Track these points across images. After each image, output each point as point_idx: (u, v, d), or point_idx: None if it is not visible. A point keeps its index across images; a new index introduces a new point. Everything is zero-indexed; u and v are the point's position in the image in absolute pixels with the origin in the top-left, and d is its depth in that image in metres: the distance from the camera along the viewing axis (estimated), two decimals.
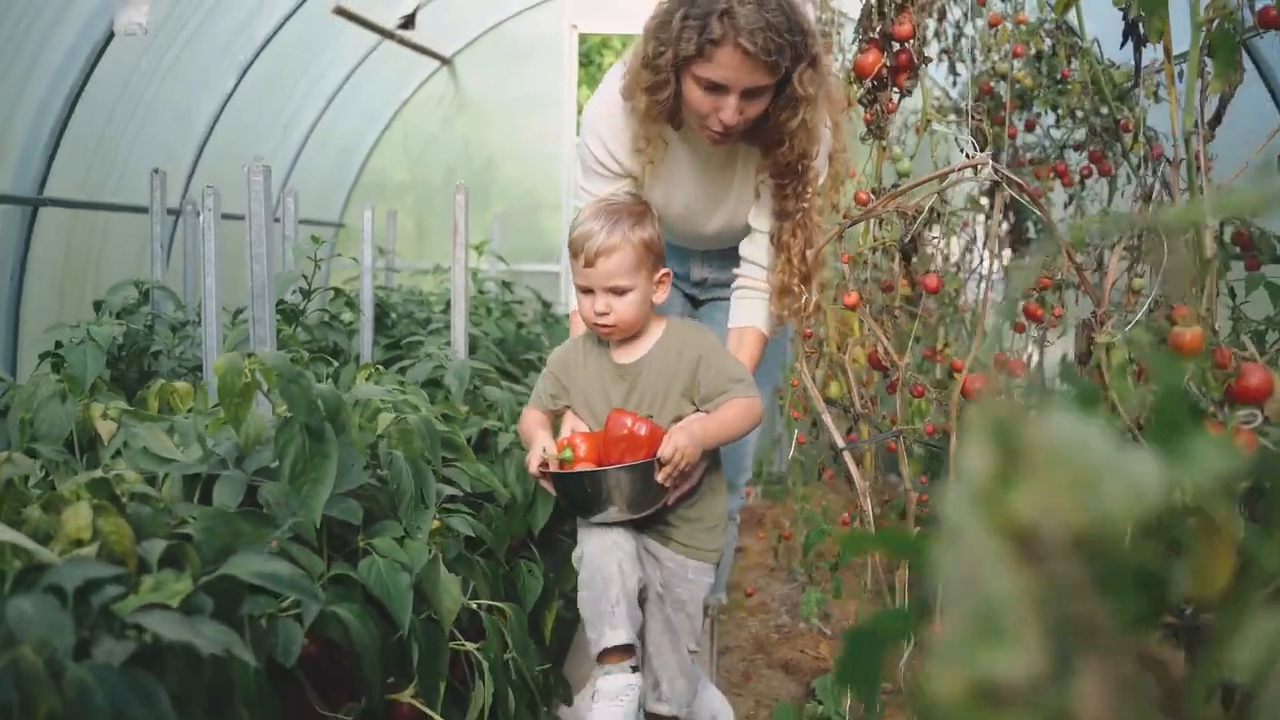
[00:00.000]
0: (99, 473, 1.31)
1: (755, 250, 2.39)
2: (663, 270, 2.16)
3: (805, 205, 2.25)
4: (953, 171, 1.69)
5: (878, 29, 2.55)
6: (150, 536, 1.24)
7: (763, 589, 3.98)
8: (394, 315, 3.88)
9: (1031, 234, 4.43)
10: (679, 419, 2.12)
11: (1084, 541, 0.32)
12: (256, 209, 1.70)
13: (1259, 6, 1.75)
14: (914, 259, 2.58)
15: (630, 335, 2.17)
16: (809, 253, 2.29)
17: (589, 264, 2.06)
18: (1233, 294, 2.20)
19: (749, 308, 2.40)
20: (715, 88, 2.06)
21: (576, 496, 2.09)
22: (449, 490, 1.98)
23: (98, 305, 2.76)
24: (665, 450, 1.99)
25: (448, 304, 4.29)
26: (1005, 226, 4.33)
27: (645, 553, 2.21)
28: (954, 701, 0.31)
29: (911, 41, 2.50)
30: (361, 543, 1.61)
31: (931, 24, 3.51)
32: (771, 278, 2.32)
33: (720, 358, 2.17)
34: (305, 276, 2.76)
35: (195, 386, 2.19)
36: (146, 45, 3.31)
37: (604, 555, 2.11)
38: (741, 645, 3.43)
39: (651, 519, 2.17)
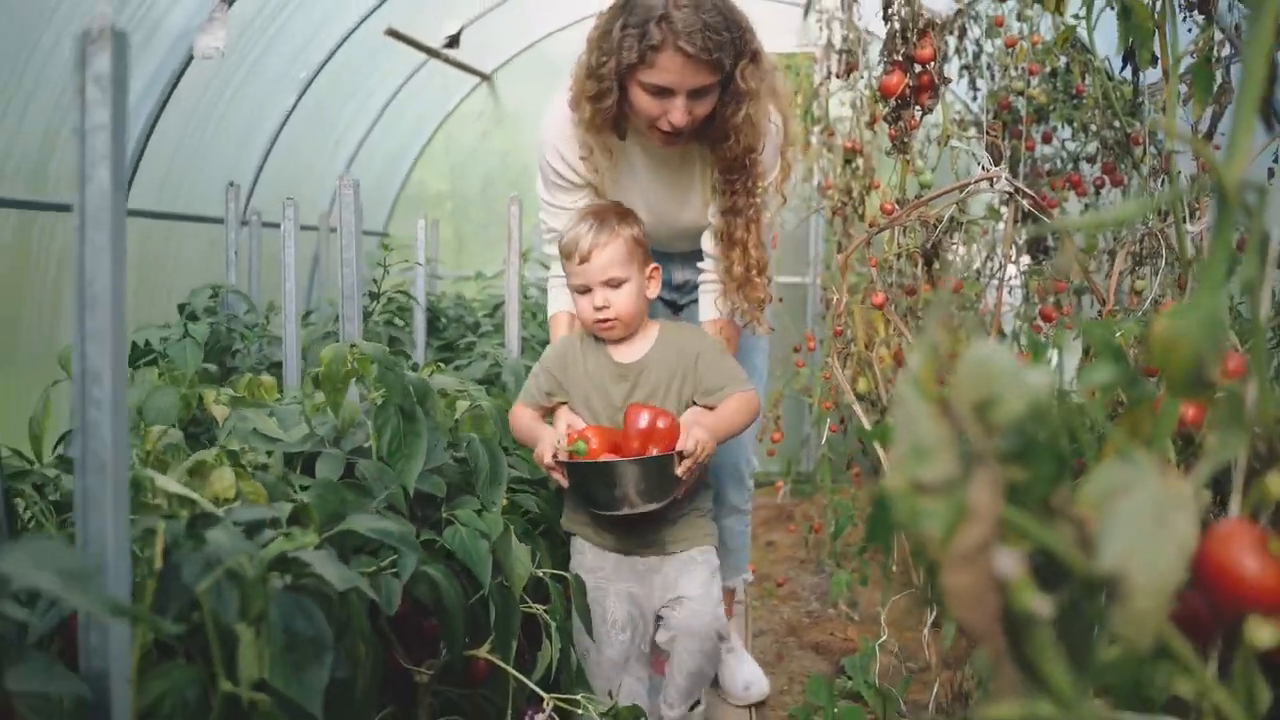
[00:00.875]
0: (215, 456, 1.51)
1: (714, 244, 2.42)
2: (652, 265, 2.22)
3: (755, 200, 2.28)
4: (969, 184, 1.85)
5: (901, 52, 2.73)
6: (276, 500, 1.43)
7: (793, 579, 4.14)
8: (444, 319, 4.07)
9: (1050, 241, 4.58)
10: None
11: (976, 408, 0.52)
12: (348, 219, 1.89)
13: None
14: (935, 264, 2.76)
15: (629, 334, 2.21)
16: (756, 245, 2.32)
17: (584, 260, 2.12)
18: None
19: (709, 300, 2.46)
20: (661, 91, 2.09)
21: (592, 488, 2.10)
22: (514, 472, 2.16)
23: (181, 307, 2.97)
24: (688, 443, 2.04)
25: (493, 309, 4.49)
26: (1024, 234, 4.49)
27: (643, 572, 2.25)
28: (899, 491, 0.53)
29: (932, 64, 2.68)
30: (445, 514, 1.79)
31: (952, 41, 3.67)
32: (726, 271, 2.34)
33: (718, 355, 2.23)
34: (375, 281, 2.95)
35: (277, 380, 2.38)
36: (218, 67, 3.52)
37: (609, 655, 2.20)
38: (774, 629, 3.59)
39: (644, 533, 2.21)
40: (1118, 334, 1.63)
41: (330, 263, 4.88)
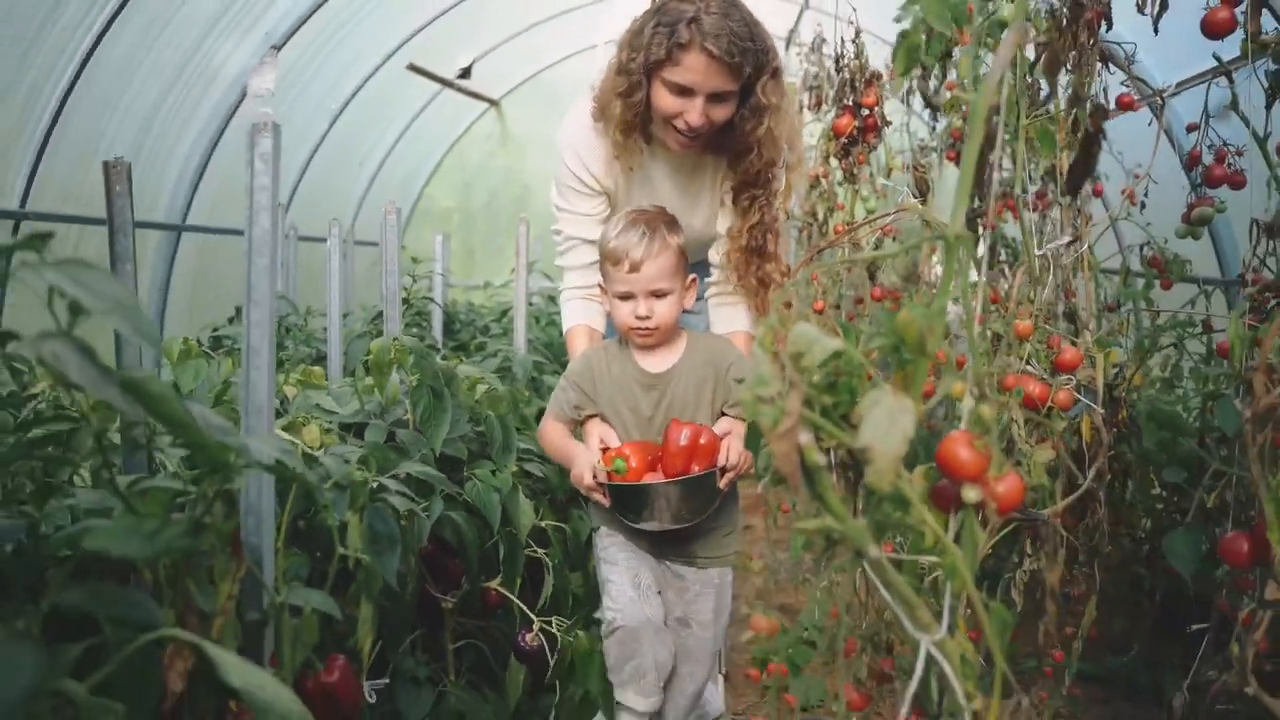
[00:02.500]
0: (301, 416, 1.92)
1: (722, 257, 2.43)
2: (691, 276, 2.21)
3: (776, 213, 2.33)
4: (890, 214, 2.27)
5: (850, 98, 3.16)
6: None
7: (765, 555, 4.56)
8: (458, 322, 4.50)
9: (1003, 256, 5.00)
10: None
11: (793, 357, 0.93)
12: (390, 238, 2.30)
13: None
14: (878, 276, 3.18)
15: (663, 342, 2.20)
16: (782, 254, 2.40)
17: (634, 269, 2.08)
18: (1149, 302, 2.76)
19: (731, 313, 2.46)
20: (683, 91, 2.13)
21: (633, 506, 2.08)
22: (524, 445, 2.57)
23: (239, 310, 3.38)
24: (731, 458, 2.05)
25: (501, 314, 4.92)
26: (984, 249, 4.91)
27: (668, 577, 2.26)
28: (748, 402, 0.90)
29: (876, 109, 3.11)
30: (466, 473, 2.20)
31: (915, 76, 4.09)
32: (759, 281, 2.35)
33: (745, 366, 2.21)
34: (406, 289, 3.37)
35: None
36: (264, 102, 3.95)
37: (639, 629, 2.14)
38: (746, 595, 4.01)
39: (677, 542, 2.21)
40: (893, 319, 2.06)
41: (354, 271, 5.30)
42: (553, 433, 2.24)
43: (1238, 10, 2.09)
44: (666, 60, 2.10)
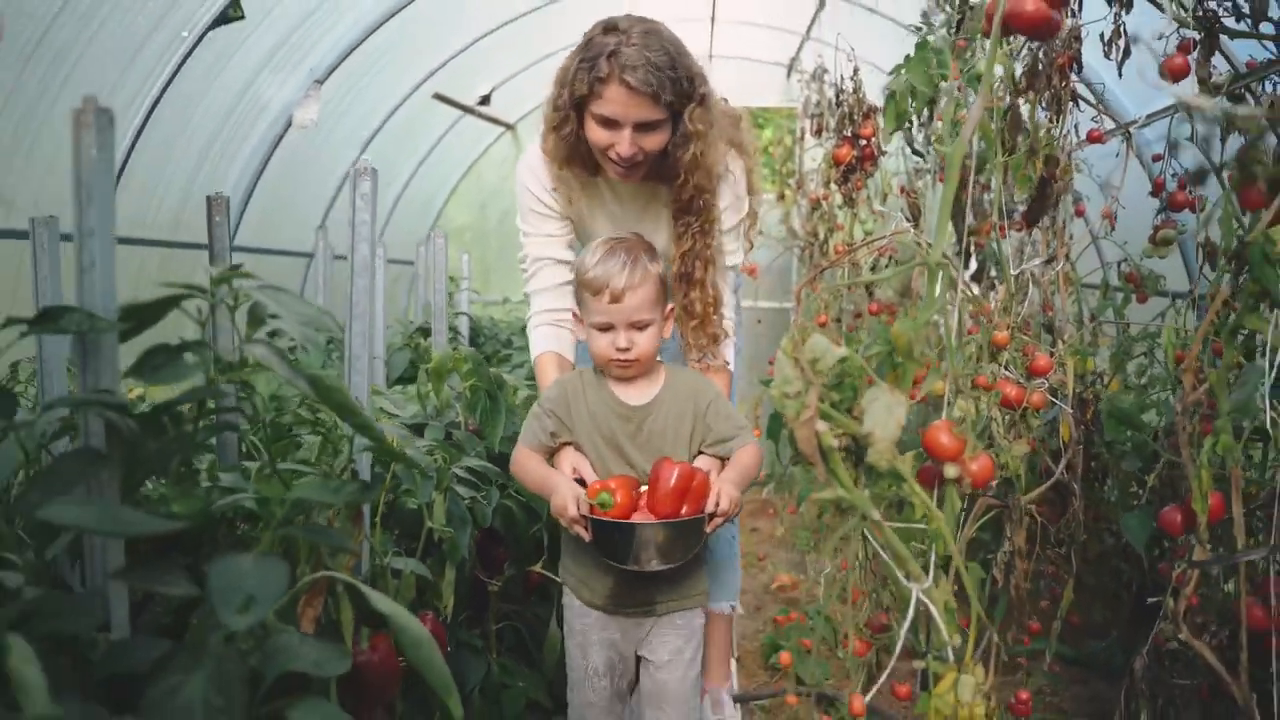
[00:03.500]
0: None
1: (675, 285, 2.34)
2: (669, 305, 2.16)
3: (710, 240, 2.27)
4: (883, 238, 2.51)
5: (849, 130, 3.41)
6: None
7: (771, 554, 4.81)
8: (483, 336, 4.74)
9: (994, 273, 5.26)
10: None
11: (810, 363, 1.18)
12: (439, 260, 2.55)
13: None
14: (875, 293, 3.43)
15: (642, 374, 2.13)
16: (713, 284, 2.33)
17: (615, 300, 2.01)
18: (1120, 315, 3.01)
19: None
20: (608, 123, 2.12)
21: (614, 544, 1.96)
22: None
23: None
24: (723, 504, 1.95)
25: (520, 329, 5.17)
26: (972, 267, 5.18)
27: (627, 625, 2.15)
28: (777, 398, 1.17)
29: (873, 139, 3.36)
30: None
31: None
32: (685, 310, 2.29)
33: (726, 404, 2.17)
34: (469, 314, 3.61)
35: None
36: (305, 132, 4.21)
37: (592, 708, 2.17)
38: (755, 590, 4.25)
39: (637, 590, 2.11)
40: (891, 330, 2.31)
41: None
42: (528, 461, 2.11)
43: (1190, 57, 2.35)
44: (590, 94, 2.10)
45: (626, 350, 2.03)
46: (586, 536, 1.95)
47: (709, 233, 2.27)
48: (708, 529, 1.95)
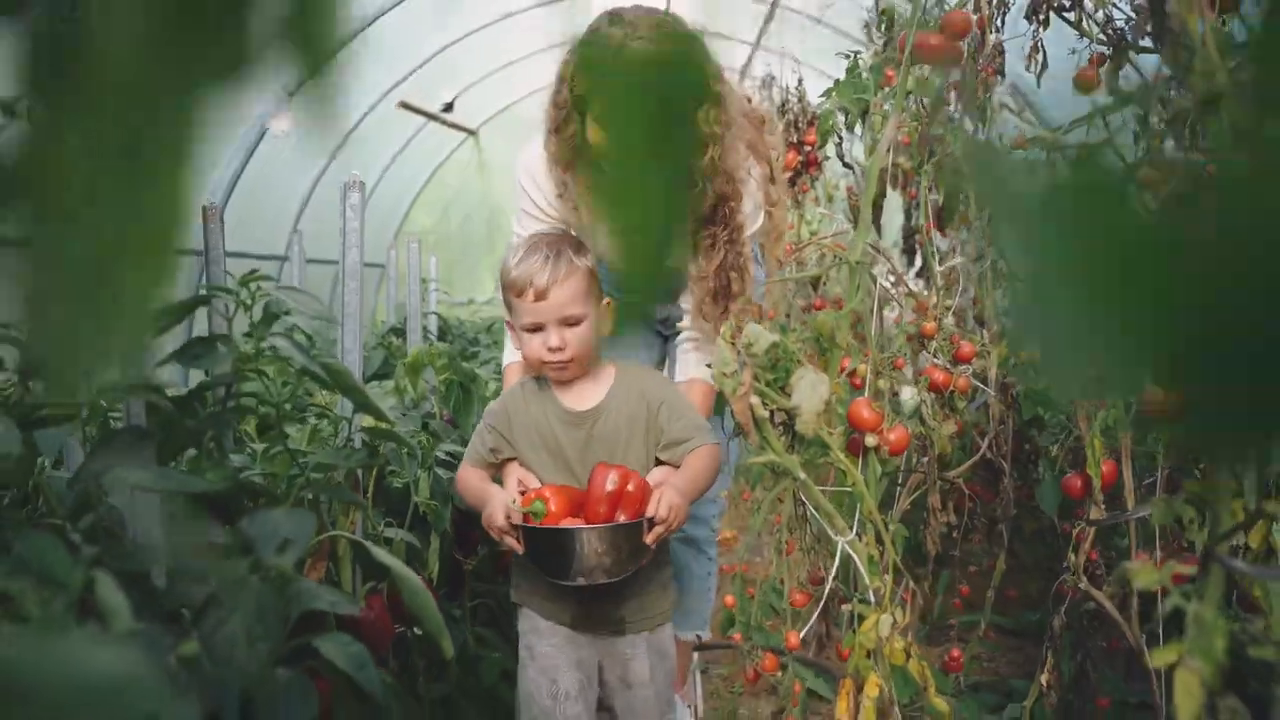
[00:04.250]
0: None
1: (691, 301, 2.19)
2: (606, 299, 1.92)
3: (741, 250, 2.10)
4: (820, 239, 2.71)
5: (795, 137, 3.62)
6: None
7: (727, 538, 5.02)
8: (451, 335, 4.91)
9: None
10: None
11: (745, 346, 1.37)
12: (414, 263, 2.72)
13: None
14: (820, 288, 3.63)
15: (581, 376, 1.94)
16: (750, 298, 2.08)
17: (540, 297, 1.84)
18: None
19: (695, 359, 2.22)
20: None
21: (549, 556, 1.77)
22: None
23: None
24: (661, 510, 1.73)
25: (486, 327, 5.34)
26: (918, 264, 5.43)
27: (598, 645, 1.96)
28: (717, 376, 1.35)
29: (814, 146, 3.56)
30: None
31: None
32: (711, 324, 2.11)
33: (682, 404, 1.96)
34: (438, 313, 3.77)
35: None
36: (275, 141, 4.36)
37: None
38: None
39: (603, 606, 1.92)
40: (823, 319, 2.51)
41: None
42: (470, 478, 1.93)
43: (1102, 70, 2.57)
44: None
45: (560, 349, 1.85)
46: (518, 548, 1.77)
47: (738, 240, 2.09)
48: (648, 539, 1.74)
